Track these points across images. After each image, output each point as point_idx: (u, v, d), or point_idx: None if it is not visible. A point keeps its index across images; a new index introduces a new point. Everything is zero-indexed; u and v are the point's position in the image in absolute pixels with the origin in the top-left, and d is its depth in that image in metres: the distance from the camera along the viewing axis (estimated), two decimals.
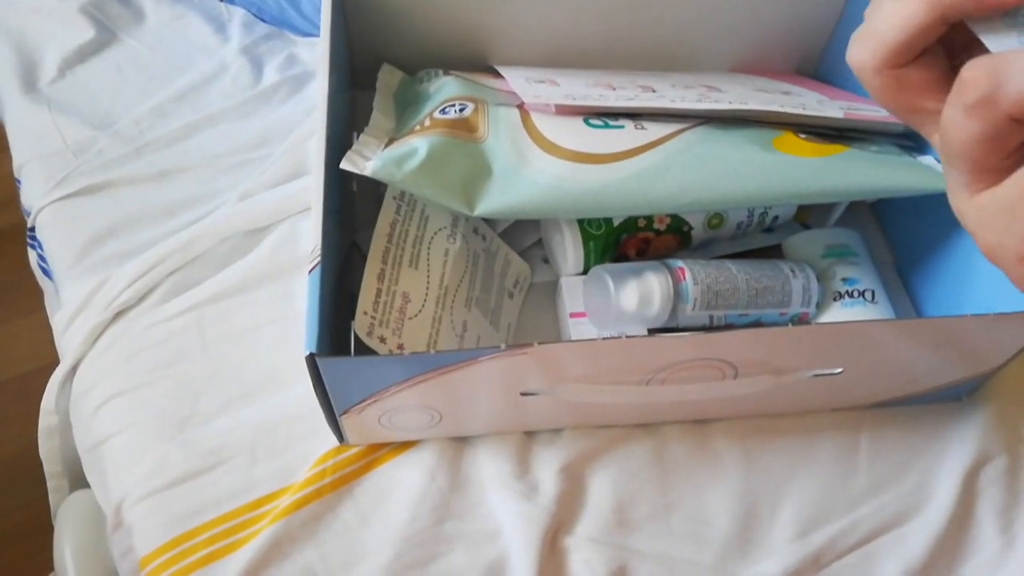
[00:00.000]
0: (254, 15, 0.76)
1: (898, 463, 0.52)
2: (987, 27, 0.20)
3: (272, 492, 0.48)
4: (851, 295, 0.53)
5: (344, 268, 0.53)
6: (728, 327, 0.51)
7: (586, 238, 0.53)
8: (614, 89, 0.55)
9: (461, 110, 0.51)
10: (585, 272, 0.54)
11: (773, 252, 0.58)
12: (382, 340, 0.45)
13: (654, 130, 0.50)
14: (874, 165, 0.50)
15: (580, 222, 0.53)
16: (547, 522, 0.47)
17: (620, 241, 0.54)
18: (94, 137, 0.65)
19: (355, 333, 0.44)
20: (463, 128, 0.49)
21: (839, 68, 0.64)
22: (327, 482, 0.48)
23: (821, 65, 0.67)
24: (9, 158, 0.66)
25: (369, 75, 0.59)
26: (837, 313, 0.53)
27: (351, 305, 0.45)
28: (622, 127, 0.51)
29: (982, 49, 0.20)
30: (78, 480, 0.57)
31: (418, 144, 0.46)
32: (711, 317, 0.51)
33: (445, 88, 0.55)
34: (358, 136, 0.50)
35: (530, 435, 0.51)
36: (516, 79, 0.55)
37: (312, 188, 0.43)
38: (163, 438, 0.50)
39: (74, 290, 0.57)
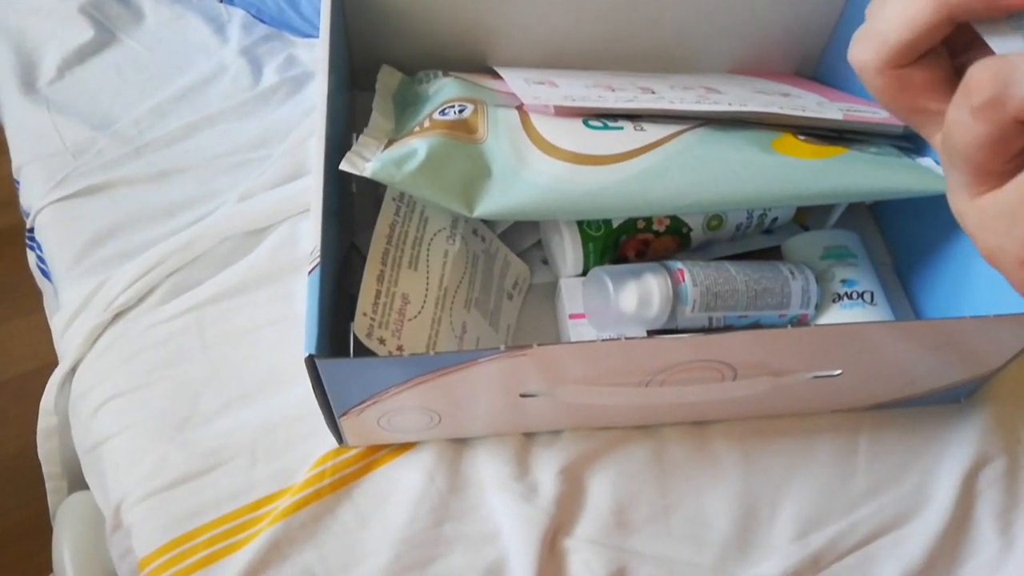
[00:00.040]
0: (253, 16, 0.76)
1: (897, 465, 0.52)
2: (992, 29, 0.20)
3: (271, 493, 0.48)
4: (850, 297, 0.53)
5: (343, 269, 0.53)
6: (727, 329, 0.51)
7: (585, 239, 0.53)
8: (613, 90, 0.55)
9: (460, 111, 0.51)
10: (584, 273, 0.54)
11: (772, 254, 0.58)
12: (381, 341, 0.45)
13: (653, 131, 0.50)
14: (873, 167, 0.50)
15: (579, 223, 0.53)
16: (546, 524, 0.47)
17: (619, 242, 0.54)
18: (93, 138, 0.65)
19: (354, 334, 0.44)
20: (462, 129, 0.49)
21: (838, 70, 0.64)
22: (326, 483, 0.48)
23: (820, 66, 0.67)
24: (8, 159, 0.66)
25: (368, 76, 0.59)
26: (836, 315, 0.53)
27: (350, 306, 0.45)
28: (621, 128, 0.51)
29: (983, 50, 0.20)
30: (77, 481, 0.57)
31: (417, 145, 0.46)
32: (710, 319, 0.51)
33: (444, 89, 0.55)
34: (357, 137, 0.50)
35: (529, 437, 0.51)
36: (515, 80, 0.55)
37: (311, 189, 0.43)
38: (162, 439, 0.50)
39: (73, 291, 0.57)
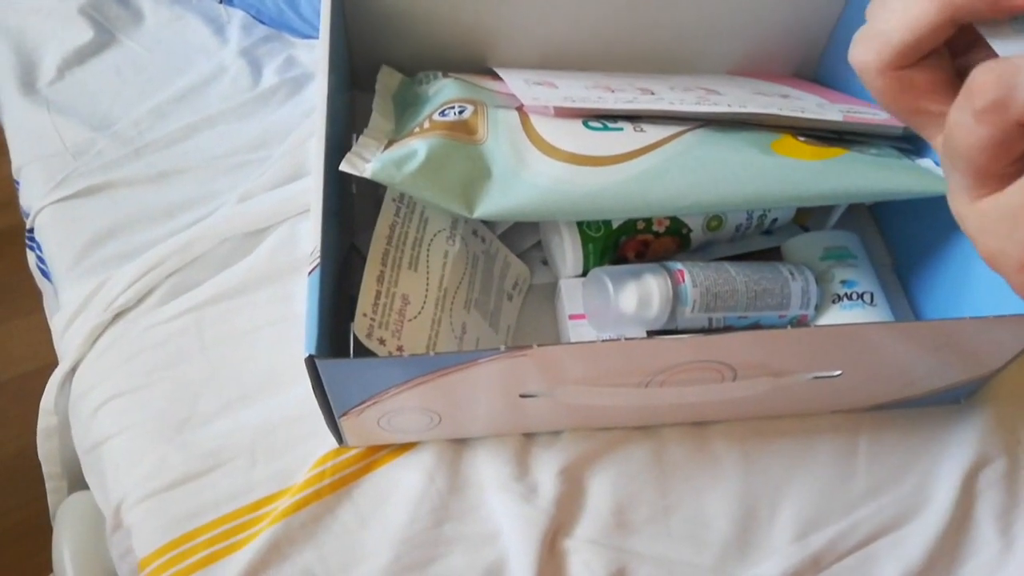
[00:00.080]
0: (253, 17, 0.76)
1: (897, 465, 0.52)
2: (995, 30, 0.20)
3: (271, 494, 0.48)
4: (850, 297, 0.53)
5: (343, 270, 0.53)
6: (727, 329, 0.51)
7: (585, 240, 0.53)
8: (613, 91, 0.55)
9: (460, 112, 0.51)
10: (584, 274, 0.54)
11: (772, 254, 0.58)
12: (381, 342, 0.45)
13: (653, 132, 0.50)
14: (873, 168, 0.50)
15: (579, 224, 0.53)
16: (546, 524, 0.47)
17: (619, 243, 0.54)
18: (93, 138, 0.65)
19: (354, 335, 0.44)
20: (462, 130, 0.49)
21: (838, 71, 0.64)
22: (326, 484, 0.48)
23: (820, 68, 0.67)
24: (8, 159, 0.66)
25: (368, 77, 0.59)
26: (836, 315, 0.53)
27: (350, 307, 0.45)
28: (621, 129, 0.51)
29: (985, 51, 0.20)
30: (77, 481, 0.57)
31: (417, 146, 0.46)
32: (710, 319, 0.51)
33: (444, 90, 0.55)
34: (357, 138, 0.50)
35: (529, 437, 0.51)
36: (515, 81, 0.55)
37: (311, 190, 0.43)
38: (162, 440, 0.50)
39: (73, 291, 0.57)
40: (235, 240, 0.59)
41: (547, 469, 0.49)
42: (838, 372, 0.47)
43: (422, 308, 0.48)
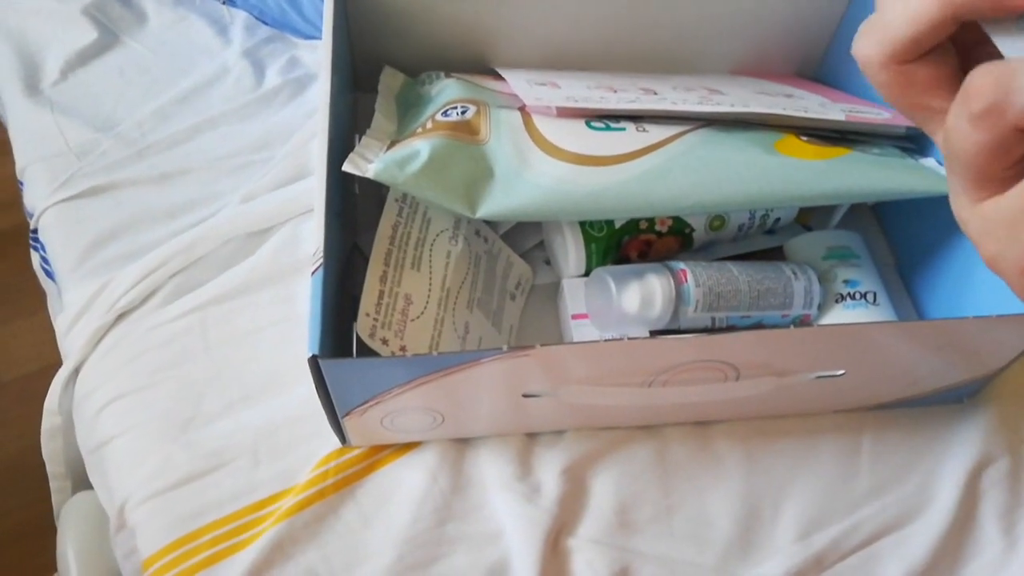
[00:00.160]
0: (256, 18, 0.76)
1: (900, 465, 0.52)
2: (1000, 29, 0.20)
3: (275, 493, 0.48)
4: (853, 297, 0.53)
5: (346, 270, 0.53)
6: (730, 329, 0.51)
7: (588, 240, 0.53)
8: (615, 91, 0.55)
9: (463, 112, 0.51)
10: (587, 274, 0.54)
11: (775, 254, 0.58)
12: (384, 342, 0.45)
13: (656, 132, 0.50)
14: (876, 167, 0.50)
15: (582, 224, 0.53)
16: (549, 524, 0.47)
17: (622, 243, 0.54)
18: (97, 139, 0.65)
19: (357, 335, 0.44)
20: (465, 130, 0.49)
21: (841, 70, 0.64)
22: (329, 483, 0.48)
23: (822, 67, 0.67)
24: (12, 160, 0.66)
25: (371, 77, 0.59)
26: (839, 315, 0.53)
27: (353, 307, 0.45)
28: (623, 129, 0.51)
29: (993, 48, 0.20)
30: (81, 481, 0.57)
31: (420, 146, 0.46)
32: (713, 319, 0.51)
33: (447, 90, 0.55)
34: (360, 138, 0.50)
35: (532, 437, 0.51)
36: (517, 81, 0.55)
37: (314, 190, 0.43)
38: (166, 439, 0.50)
39: (77, 292, 0.57)
40: (238, 240, 0.59)
41: (550, 469, 0.49)
42: (841, 372, 0.47)
43: (425, 308, 0.48)
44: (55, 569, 0.57)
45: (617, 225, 0.53)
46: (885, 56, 0.21)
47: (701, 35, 0.63)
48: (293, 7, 0.74)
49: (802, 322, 0.53)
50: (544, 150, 0.49)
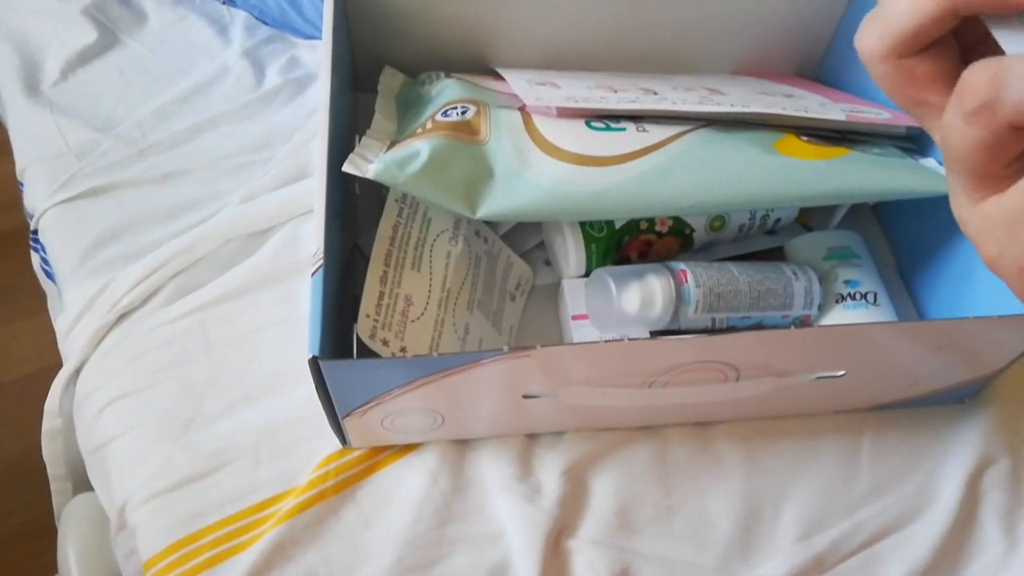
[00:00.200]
0: (256, 18, 0.76)
1: (901, 465, 0.52)
2: (1002, 24, 0.19)
3: (275, 495, 0.48)
4: (853, 297, 0.53)
5: (346, 271, 0.53)
6: (730, 329, 0.51)
7: (588, 240, 0.53)
8: (615, 91, 0.55)
9: (463, 112, 0.51)
10: (587, 274, 0.54)
11: (775, 254, 0.58)
12: (384, 343, 0.45)
13: (656, 132, 0.50)
14: (876, 167, 0.50)
15: (582, 224, 0.53)
16: (549, 524, 0.47)
17: (622, 243, 0.54)
18: (97, 139, 0.65)
19: (357, 336, 0.44)
20: (465, 131, 0.49)
21: (841, 70, 0.64)
22: (330, 485, 0.48)
23: (823, 67, 0.67)
24: (12, 161, 0.66)
25: (371, 78, 0.59)
26: (839, 315, 0.53)
27: (354, 308, 0.45)
28: (624, 129, 0.51)
29: (994, 43, 0.20)
30: (82, 482, 0.57)
31: (420, 147, 0.46)
32: (713, 319, 0.51)
33: (447, 91, 0.55)
34: (360, 139, 0.50)
35: (532, 438, 0.51)
36: (517, 81, 0.55)
37: (314, 190, 0.43)
38: (167, 440, 0.50)
39: (77, 293, 0.57)
40: (239, 241, 0.59)
41: (550, 469, 0.49)
42: (841, 372, 0.47)
43: (425, 309, 0.48)
44: (56, 570, 0.57)
45: (617, 225, 0.53)
46: (886, 49, 0.21)
47: (701, 35, 0.62)
48: (293, 7, 0.74)
49: (802, 323, 0.53)
50: (544, 150, 0.48)
